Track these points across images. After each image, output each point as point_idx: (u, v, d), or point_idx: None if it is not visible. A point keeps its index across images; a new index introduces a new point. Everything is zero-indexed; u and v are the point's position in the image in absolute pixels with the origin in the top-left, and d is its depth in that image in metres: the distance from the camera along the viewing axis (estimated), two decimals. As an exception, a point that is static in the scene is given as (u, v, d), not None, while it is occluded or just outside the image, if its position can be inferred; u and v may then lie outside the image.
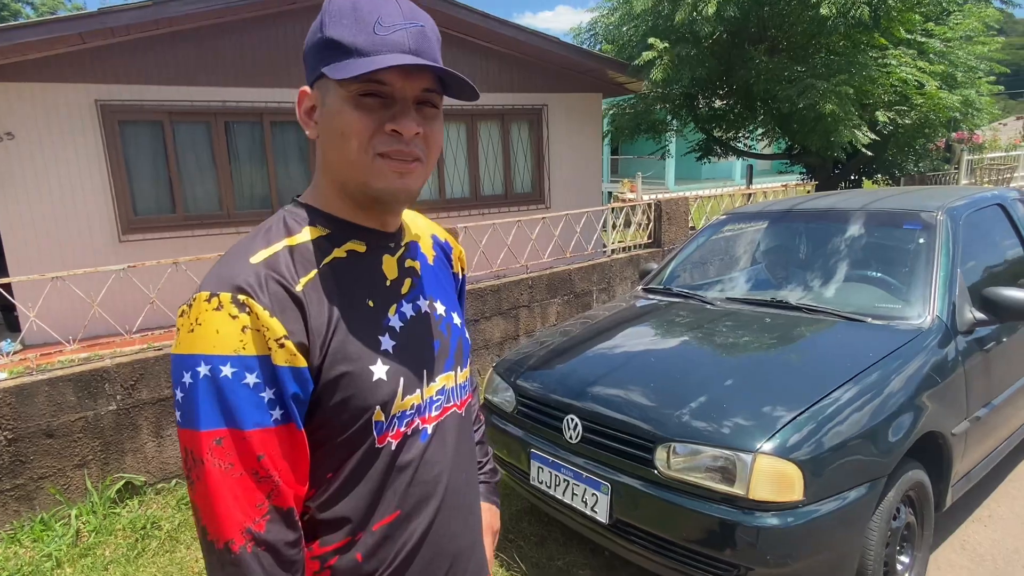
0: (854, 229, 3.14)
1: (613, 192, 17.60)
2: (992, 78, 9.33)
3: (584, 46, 10.31)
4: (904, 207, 3.07)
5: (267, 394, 0.77)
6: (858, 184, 11.21)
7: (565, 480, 2.41)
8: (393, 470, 0.87)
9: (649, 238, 6.12)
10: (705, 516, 1.98)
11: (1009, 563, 2.65)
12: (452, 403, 0.97)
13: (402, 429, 0.88)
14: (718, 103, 10.65)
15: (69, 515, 3.07)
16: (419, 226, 1.05)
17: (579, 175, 9.31)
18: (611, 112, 11.08)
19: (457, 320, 1.03)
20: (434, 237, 1.07)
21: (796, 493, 1.91)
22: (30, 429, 2.98)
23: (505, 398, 2.79)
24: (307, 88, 0.87)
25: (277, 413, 0.78)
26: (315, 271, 0.84)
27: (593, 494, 2.29)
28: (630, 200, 10.09)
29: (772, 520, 1.90)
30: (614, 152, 25.24)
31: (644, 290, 3.61)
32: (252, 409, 0.76)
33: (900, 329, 2.51)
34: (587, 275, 5.36)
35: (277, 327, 0.78)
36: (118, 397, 3.22)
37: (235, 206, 6.77)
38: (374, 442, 0.85)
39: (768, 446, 1.95)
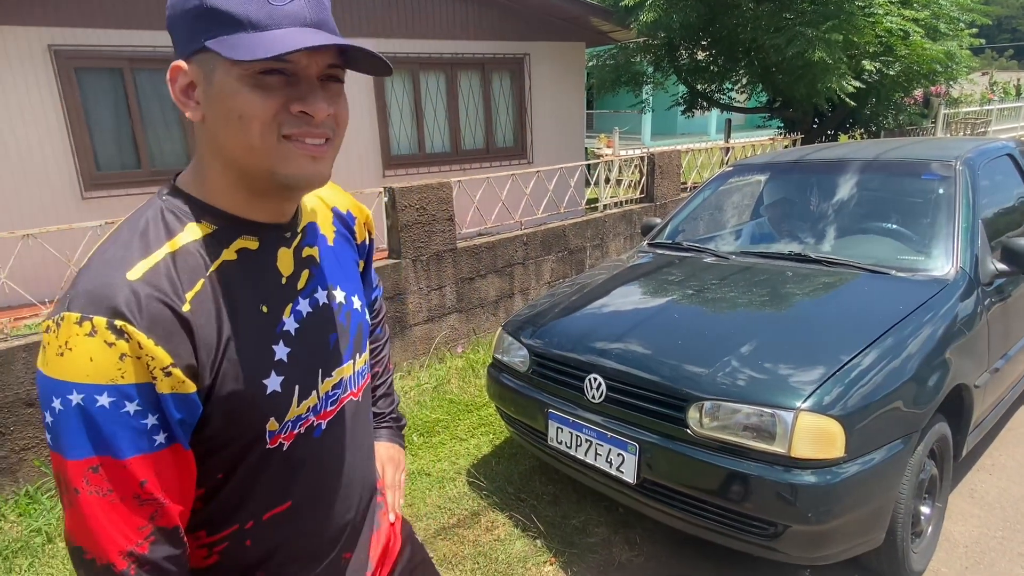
0: (869, 180, 3.06)
1: (589, 148, 17.36)
2: (974, 30, 9.28)
3: (565, -8, 9.94)
4: (920, 157, 3.00)
5: (150, 420, 0.72)
6: (835, 139, 11.21)
7: (588, 440, 2.34)
8: (285, 467, 0.85)
9: (641, 193, 6.00)
10: (742, 475, 1.93)
11: (1017, 511, 2.69)
12: (348, 392, 0.94)
13: (296, 431, 0.85)
14: (700, 55, 10.45)
15: (56, 487, 2.91)
16: (319, 200, 0.96)
17: (562, 129, 9.09)
18: (591, 64, 10.81)
19: (357, 304, 0.97)
20: (335, 210, 0.99)
21: (838, 450, 1.87)
22: (8, 399, 2.78)
23: (518, 358, 2.69)
24: (181, 63, 0.75)
25: (161, 437, 0.73)
26: (202, 280, 0.76)
27: (619, 454, 2.23)
28: (608, 156, 9.93)
29: (812, 477, 1.85)
30: (589, 106, 24.88)
31: (650, 245, 3.51)
32: (132, 437, 0.71)
33: (925, 281, 2.46)
34: (581, 231, 5.24)
35: (162, 356, 0.71)
36: (101, 363, 3.02)
37: (205, 160, 6.42)
38: (266, 446, 0.82)
39: (809, 403, 1.89)
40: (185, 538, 0.78)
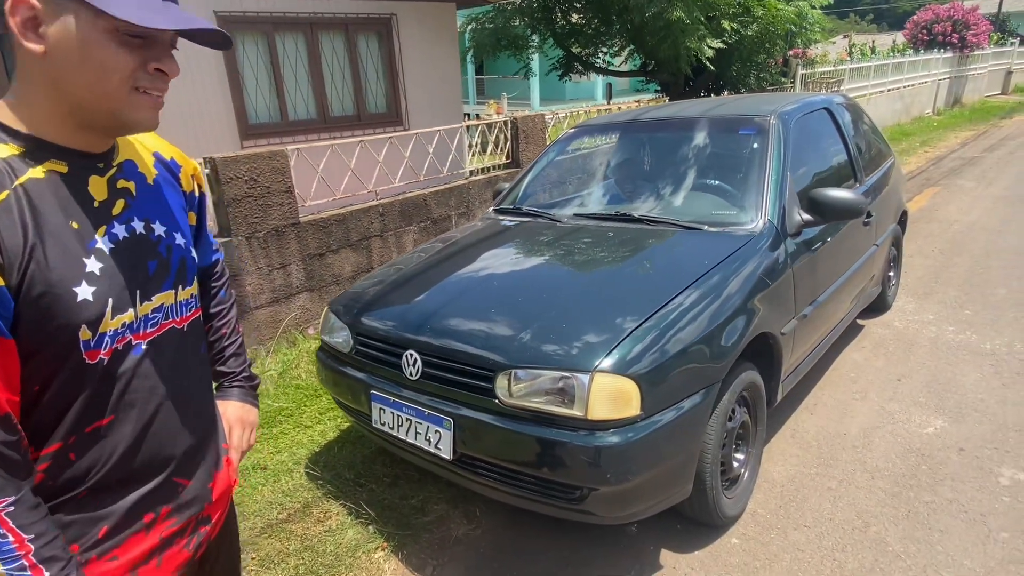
0: (694, 137, 3.10)
1: (480, 114, 17.13)
2: (826, -11, 9.82)
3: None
4: (739, 113, 3.07)
5: None
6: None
7: (408, 419, 2.24)
8: (105, 382, 0.91)
9: (507, 158, 5.92)
10: (546, 441, 1.89)
11: (832, 447, 2.87)
12: (171, 320, 1.02)
13: (114, 346, 0.91)
14: (575, 17, 10.45)
15: None
16: (139, 144, 1.05)
17: (438, 93, 8.81)
18: (471, 27, 10.58)
19: (181, 240, 1.05)
20: (157, 155, 1.07)
21: (633, 408, 1.86)
22: None
23: (341, 338, 2.53)
24: None
25: None
26: (7, 192, 0.82)
27: (436, 431, 2.14)
28: (486, 118, 9.80)
29: (611, 438, 1.84)
30: (479, 71, 24.52)
31: (495, 211, 3.42)
32: None
33: (734, 235, 2.52)
34: (444, 199, 5.09)
35: None
36: None
37: None
38: (82, 358, 0.88)
39: (604, 364, 1.87)
40: (19, 428, 0.83)
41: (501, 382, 1.99)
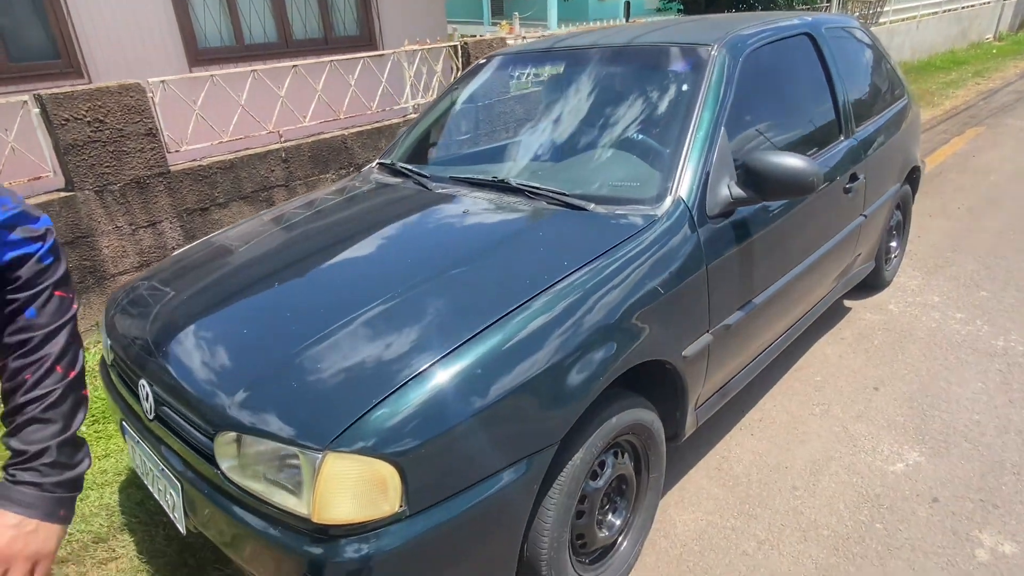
0: (615, 74, 2.33)
1: (493, 35, 15.83)
2: None
3: None
4: (674, 40, 2.26)
5: None
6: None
7: (151, 468, 1.67)
8: None
9: (460, 90, 5.10)
10: (265, 541, 1.30)
11: (765, 486, 2.23)
12: None
13: None
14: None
15: None
16: None
17: (418, 11, 7.87)
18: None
19: None
20: None
21: (390, 503, 1.24)
22: None
23: (106, 345, 1.95)
24: None
25: None
26: None
27: (171, 492, 1.57)
28: (445, 43, 8.77)
29: (350, 550, 1.24)
30: (496, -12, 22.80)
31: (378, 164, 2.73)
32: None
33: (623, 221, 1.80)
34: (371, 141, 4.37)
35: None
36: None
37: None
38: None
39: (348, 435, 1.24)
40: None
41: (225, 446, 1.38)
